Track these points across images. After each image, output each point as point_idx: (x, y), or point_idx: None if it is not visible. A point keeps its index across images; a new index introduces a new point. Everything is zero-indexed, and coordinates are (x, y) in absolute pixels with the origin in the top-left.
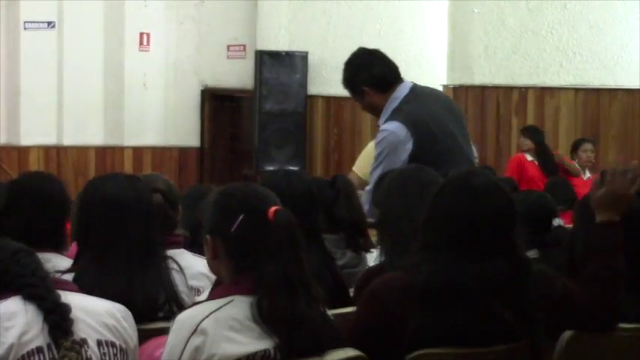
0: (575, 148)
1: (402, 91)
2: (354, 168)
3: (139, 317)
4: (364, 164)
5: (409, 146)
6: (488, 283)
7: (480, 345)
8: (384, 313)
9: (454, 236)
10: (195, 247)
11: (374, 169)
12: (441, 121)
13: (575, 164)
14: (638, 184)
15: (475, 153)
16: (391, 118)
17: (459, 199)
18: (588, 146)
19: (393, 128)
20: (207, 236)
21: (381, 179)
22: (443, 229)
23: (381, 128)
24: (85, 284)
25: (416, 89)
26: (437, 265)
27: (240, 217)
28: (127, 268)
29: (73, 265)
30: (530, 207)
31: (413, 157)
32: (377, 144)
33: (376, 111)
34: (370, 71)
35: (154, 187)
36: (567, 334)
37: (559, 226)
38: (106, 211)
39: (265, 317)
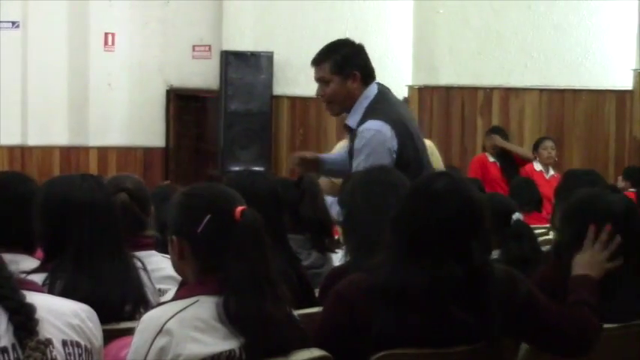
0: (536, 146)
1: (371, 91)
2: None
3: (109, 317)
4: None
5: (394, 144)
6: (442, 286)
7: (440, 346)
8: (349, 313)
9: (412, 238)
10: (164, 248)
11: (358, 167)
12: (411, 122)
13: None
14: (615, 247)
15: None
16: (371, 117)
17: (419, 202)
18: (549, 143)
19: (378, 127)
20: (173, 237)
21: (347, 179)
22: (403, 231)
23: (364, 127)
24: (58, 285)
25: (383, 90)
26: (395, 267)
27: (207, 218)
28: (98, 268)
29: (40, 266)
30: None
31: (397, 156)
32: (363, 144)
33: (346, 101)
34: (365, 58)
35: (121, 186)
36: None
37: (518, 220)
38: (75, 212)
39: (232, 317)
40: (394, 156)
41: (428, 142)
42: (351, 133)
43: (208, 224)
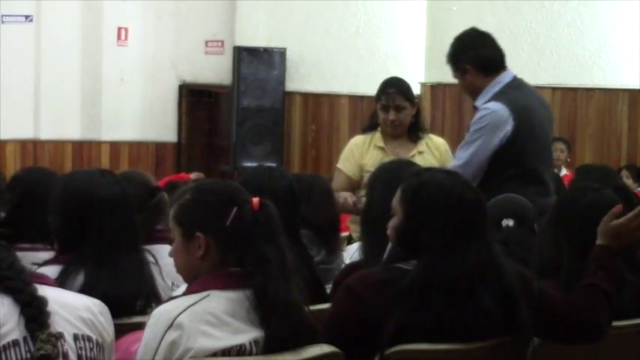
0: None
1: (505, 78)
2: (340, 166)
3: (122, 311)
4: (350, 163)
5: (508, 129)
6: (472, 271)
7: (463, 340)
8: (360, 307)
9: (432, 231)
10: None
11: (466, 146)
12: (539, 115)
13: None
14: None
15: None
16: (494, 99)
17: (436, 195)
18: (558, 145)
19: (495, 108)
20: (199, 234)
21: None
22: (428, 224)
23: (481, 106)
24: (77, 280)
25: (518, 79)
26: (424, 259)
27: (234, 210)
28: (117, 263)
29: (54, 258)
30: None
31: (508, 142)
32: (475, 121)
33: (474, 92)
34: (477, 51)
35: (154, 185)
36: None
37: (507, 227)
38: (96, 207)
39: (267, 303)
40: (503, 139)
41: (441, 141)
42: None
43: (236, 217)
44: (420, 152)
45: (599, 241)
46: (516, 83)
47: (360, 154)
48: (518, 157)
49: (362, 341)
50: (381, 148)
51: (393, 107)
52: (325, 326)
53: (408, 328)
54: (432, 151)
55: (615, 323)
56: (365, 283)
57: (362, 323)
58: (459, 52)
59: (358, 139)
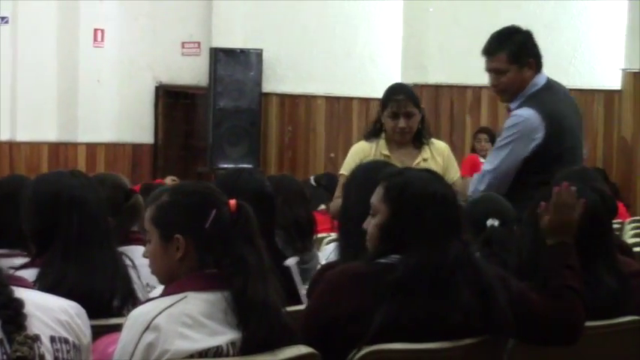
0: (473, 138)
1: (540, 80)
2: (345, 172)
3: (97, 310)
4: (350, 170)
5: (539, 136)
6: (453, 267)
7: (445, 336)
8: (340, 299)
9: (420, 226)
10: None
11: (496, 151)
12: (571, 118)
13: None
14: (581, 206)
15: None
16: (527, 104)
17: (419, 192)
18: (482, 136)
19: (527, 115)
20: (178, 236)
21: None
22: (414, 220)
23: (513, 112)
24: (50, 280)
25: (551, 81)
26: (412, 254)
27: (213, 212)
28: (86, 260)
29: (30, 262)
30: (470, 207)
31: (539, 149)
32: (507, 128)
33: (515, 91)
34: (536, 45)
35: (129, 187)
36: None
37: (491, 227)
38: (65, 207)
39: (246, 304)
40: (534, 147)
41: (443, 145)
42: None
43: (215, 219)
44: (425, 159)
45: (550, 241)
46: (549, 85)
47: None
48: (547, 164)
49: (339, 335)
50: (387, 156)
51: (403, 114)
52: (304, 320)
53: (395, 322)
54: (436, 158)
55: (591, 323)
56: (346, 276)
57: (341, 316)
58: (525, 43)
59: (364, 146)
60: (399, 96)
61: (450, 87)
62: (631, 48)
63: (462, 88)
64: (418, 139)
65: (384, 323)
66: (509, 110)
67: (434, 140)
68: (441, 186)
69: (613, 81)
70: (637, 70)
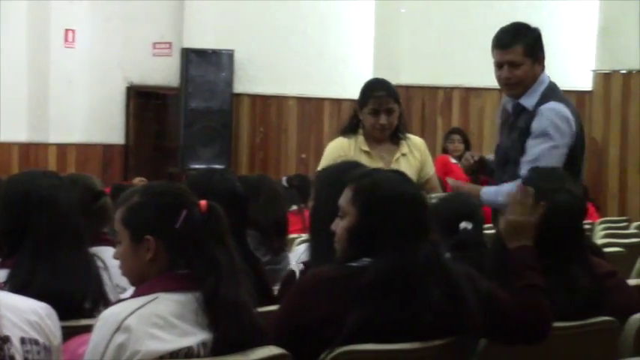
0: (444, 139)
1: (545, 78)
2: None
3: (68, 311)
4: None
5: (574, 132)
6: (423, 269)
7: (416, 338)
8: (312, 304)
9: (389, 228)
10: None
11: (552, 150)
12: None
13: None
14: (540, 210)
15: None
16: (553, 100)
17: (388, 194)
18: (455, 137)
19: (565, 112)
20: (148, 237)
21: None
22: (384, 222)
23: (548, 107)
24: (20, 281)
25: (552, 81)
26: (383, 256)
27: (184, 213)
28: (56, 260)
29: (1, 263)
30: (440, 208)
31: (572, 144)
32: (554, 125)
33: (526, 86)
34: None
35: (99, 189)
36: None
37: (464, 230)
38: (35, 207)
39: (217, 305)
40: (571, 142)
41: (419, 140)
42: (523, 113)
43: (185, 219)
44: (404, 154)
45: (511, 245)
46: (554, 84)
47: (347, 158)
48: (573, 158)
49: (312, 339)
50: (367, 152)
51: (384, 111)
52: (276, 323)
53: (367, 325)
54: (414, 152)
55: (566, 324)
56: (318, 280)
57: (313, 320)
58: (538, 39)
59: (343, 142)
60: (380, 92)
61: (422, 88)
62: (602, 49)
63: (434, 89)
64: (396, 135)
65: (355, 326)
66: (517, 111)
67: (410, 135)
68: (409, 187)
69: (584, 82)
70: (608, 71)
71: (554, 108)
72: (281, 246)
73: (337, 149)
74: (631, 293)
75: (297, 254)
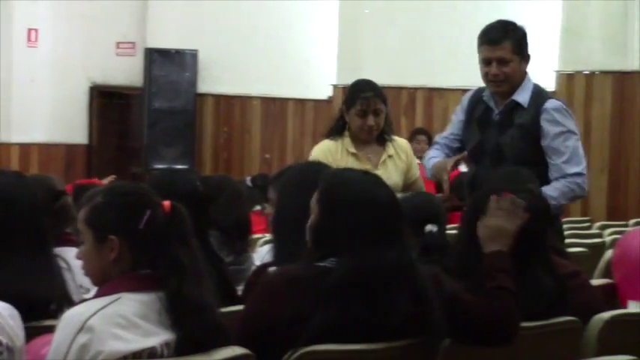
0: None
1: (528, 75)
2: None
3: (31, 315)
4: None
5: None
6: (389, 272)
7: (380, 339)
8: (277, 303)
9: (347, 229)
10: None
11: (576, 150)
12: None
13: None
14: (524, 218)
15: None
16: (548, 96)
17: (353, 194)
18: (421, 137)
19: (566, 107)
20: (112, 237)
21: None
22: (336, 223)
23: (558, 105)
24: None
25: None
26: (344, 257)
27: (147, 213)
28: (17, 262)
29: None
30: (404, 209)
31: None
32: (569, 122)
33: (515, 83)
34: None
35: (60, 188)
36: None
37: (430, 232)
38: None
39: (181, 305)
40: None
41: (404, 142)
42: (517, 109)
43: (149, 219)
44: (390, 156)
45: (487, 249)
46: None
47: (335, 160)
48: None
49: (277, 338)
50: (354, 154)
51: (372, 112)
52: (241, 322)
53: (331, 325)
54: (400, 154)
55: (528, 324)
56: (283, 280)
57: (279, 319)
58: (525, 37)
59: (329, 145)
60: (368, 93)
61: (385, 88)
62: (565, 50)
63: (397, 89)
64: (382, 136)
65: (321, 327)
66: (508, 103)
67: (394, 137)
68: (373, 187)
69: (547, 82)
70: (571, 72)
71: (561, 105)
72: (244, 246)
73: (323, 152)
74: (594, 293)
75: (261, 255)
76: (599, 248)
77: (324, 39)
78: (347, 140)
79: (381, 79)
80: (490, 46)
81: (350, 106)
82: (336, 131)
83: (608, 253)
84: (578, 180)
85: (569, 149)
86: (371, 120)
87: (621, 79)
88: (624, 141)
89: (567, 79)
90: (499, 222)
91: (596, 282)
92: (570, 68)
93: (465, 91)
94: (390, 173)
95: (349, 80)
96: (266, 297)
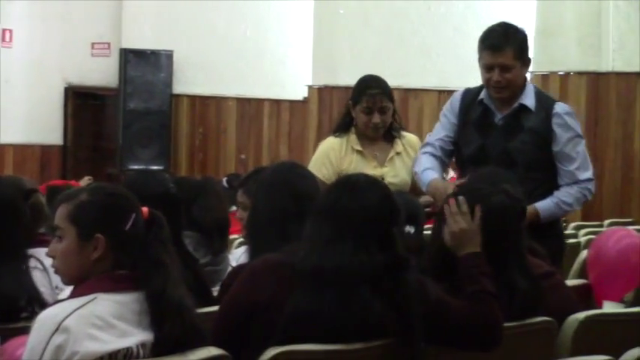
0: None
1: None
2: (314, 171)
3: (4, 316)
4: (327, 169)
5: None
6: (361, 268)
7: (357, 336)
8: (254, 286)
9: (334, 225)
10: None
11: (585, 154)
12: None
13: None
14: (478, 214)
15: None
16: (551, 98)
17: (339, 192)
18: None
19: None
20: (98, 235)
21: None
22: (325, 218)
23: (567, 109)
24: None
25: None
26: (315, 248)
27: (133, 216)
28: None
29: None
30: None
31: None
32: (574, 123)
33: (516, 88)
34: None
35: (31, 187)
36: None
37: (407, 234)
38: None
39: (162, 306)
40: None
41: (414, 138)
42: (524, 113)
43: (134, 222)
44: (398, 153)
45: (459, 253)
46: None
47: (339, 158)
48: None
49: (257, 321)
50: (359, 152)
51: (378, 109)
52: (223, 305)
53: (308, 311)
54: (408, 151)
55: (505, 324)
56: (266, 264)
57: (259, 303)
58: (526, 42)
59: (333, 143)
60: (374, 90)
61: None
62: (539, 51)
63: None
64: (390, 133)
65: (297, 309)
66: (517, 107)
67: (405, 133)
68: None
69: None
70: (546, 73)
71: (570, 108)
72: (222, 247)
73: (328, 150)
74: (569, 294)
75: (237, 256)
76: (575, 249)
77: (299, 39)
78: (353, 137)
79: (356, 79)
80: (492, 52)
81: (356, 103)
82: (342, 127)
83: (584, 254)
84: (589, 186)
85: (579, 155)
86: (376, 117)
87: (596, 79)
88: (599, 141)
89: (542, 80)
90: (458, 226)
91: (571, 282)
92: (545, 69)
93: (440, 92)
94: (398, 171)
95: (324, 81)
96: (248, 281)
